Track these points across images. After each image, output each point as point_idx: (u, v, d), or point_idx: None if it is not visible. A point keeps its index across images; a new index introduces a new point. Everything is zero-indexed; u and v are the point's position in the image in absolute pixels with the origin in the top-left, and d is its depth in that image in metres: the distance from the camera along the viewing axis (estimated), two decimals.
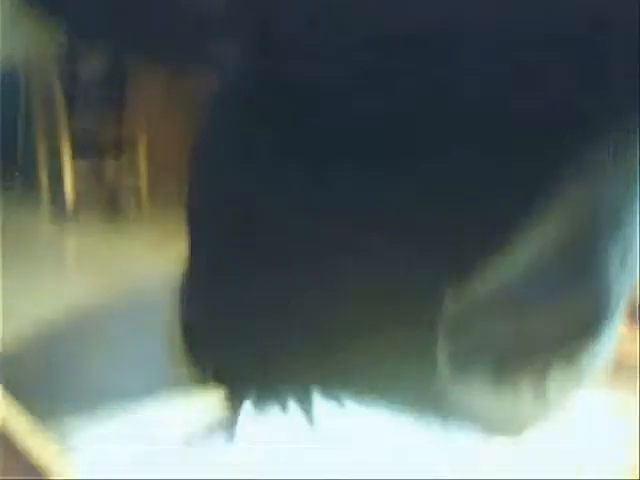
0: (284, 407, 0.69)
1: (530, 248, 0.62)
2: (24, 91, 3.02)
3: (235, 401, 0.70)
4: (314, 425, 0.68)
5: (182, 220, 0.73)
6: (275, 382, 0.69)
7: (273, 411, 0.69)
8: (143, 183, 3.10)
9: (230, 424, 0.69)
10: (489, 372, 0.67)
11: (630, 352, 0.91)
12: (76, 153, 2.99)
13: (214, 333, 0.71)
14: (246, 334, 0.68)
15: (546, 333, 0.68)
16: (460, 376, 0.65)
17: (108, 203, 3.09)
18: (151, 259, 2.23)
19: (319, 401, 0.68)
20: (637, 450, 0.81)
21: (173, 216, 0.77)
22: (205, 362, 0.73)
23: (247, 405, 0.69)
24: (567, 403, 0.74)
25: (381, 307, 0.63)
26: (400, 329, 0.64)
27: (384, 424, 0.68)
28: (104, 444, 0.69)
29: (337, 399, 0.69)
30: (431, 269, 0.62)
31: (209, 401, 0.73)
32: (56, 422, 0.70)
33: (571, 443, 0.80)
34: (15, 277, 1.58)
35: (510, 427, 0.73)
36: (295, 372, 0.69)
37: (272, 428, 0.69)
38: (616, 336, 0.73)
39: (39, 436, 0.65)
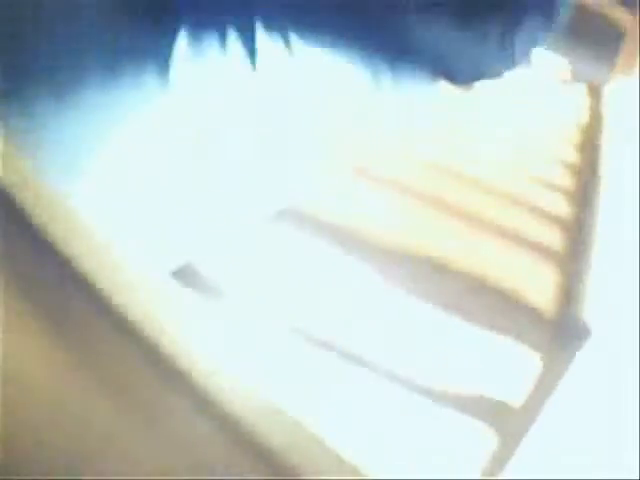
0: (223, 44, 0.59)
1: None
2: None
3: None
4: (256, 68, 0.59)
5: None
6: (214, 11, 0.58)
7: (211, 51, 0.59)
8: None
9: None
10: (455, 16, 0.66)
11: None
12: None
13: None
14: None
15: None
16: (424, 15, 0.63)
17: None
18: None
19: (263, 39, 0.59)
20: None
21: None
22: None
23: (182, 43, 0.59)
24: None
25: None
26: None
27: (332, 67, 0.59)
28: None
29: (284, 36, 0.59)
30: None
31: None
32: None
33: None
34: None
35: (468, 75, 0.71)
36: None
37: (210, 70, 0.59)
38: None
39: None
